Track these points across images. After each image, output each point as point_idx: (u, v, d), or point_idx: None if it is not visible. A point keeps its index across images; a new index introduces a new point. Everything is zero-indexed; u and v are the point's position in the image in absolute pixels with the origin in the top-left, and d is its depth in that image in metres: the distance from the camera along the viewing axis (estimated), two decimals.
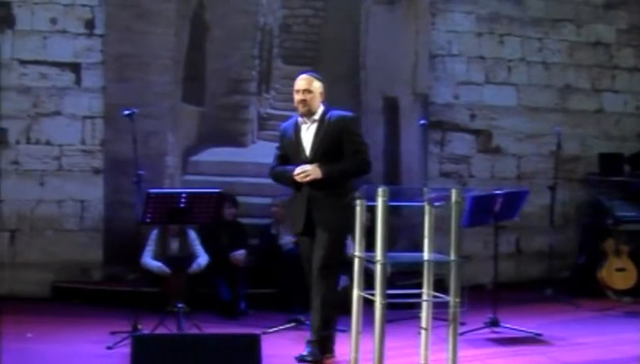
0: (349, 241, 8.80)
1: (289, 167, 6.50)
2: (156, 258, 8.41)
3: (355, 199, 5.99)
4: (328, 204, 6.39)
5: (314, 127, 6.50)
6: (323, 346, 6.42)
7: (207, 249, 8.66)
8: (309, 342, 6.44)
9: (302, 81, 6.54)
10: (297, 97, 6.51)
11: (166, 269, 8.22)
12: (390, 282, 5.57)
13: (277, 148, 6.74)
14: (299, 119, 6.56)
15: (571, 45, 10.94)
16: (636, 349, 6.61)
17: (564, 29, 10.90)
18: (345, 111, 6.63)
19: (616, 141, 11.05)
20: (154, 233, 8.55)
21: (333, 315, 6.48)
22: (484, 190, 8.60)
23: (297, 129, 6.56)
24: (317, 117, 6.51)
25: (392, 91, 10.15)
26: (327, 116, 6.51)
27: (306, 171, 6.36)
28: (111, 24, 9.27)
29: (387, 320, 5.56)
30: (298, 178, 6.38)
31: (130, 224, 8.43)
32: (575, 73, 10.96)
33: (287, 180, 6.52)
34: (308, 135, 6.51)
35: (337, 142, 6.43)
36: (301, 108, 6.51)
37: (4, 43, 9.05)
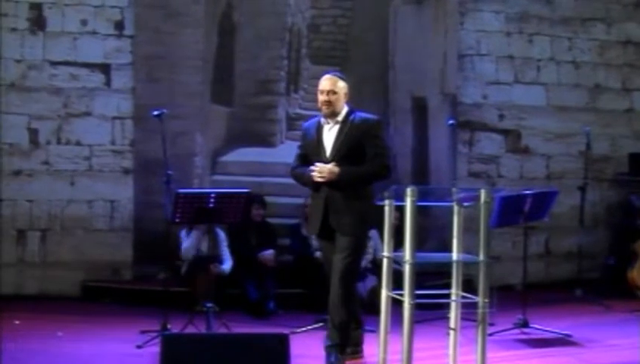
0: (377, 241, 8.84)
1: (309, 168, 6.42)
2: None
3: (374, 202, 5.98)
4: (346, 207, 6.29)
5: (336, 128, 6.39)
6: (342, 348, 6.40)
7: (235, 250, 8.69)
8: (329, 348, 6.38)
9: (326, 81, 6.40)
10: (321, 98, 6.38)
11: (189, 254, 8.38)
12: (418, 282, 5.55)
13: (299, 147, 6.66)
14: (322, 119, 6.45)
15: (601, 44, 10.87)
16: None
17: (594, 28, 10.83)
18: (370, 114, 6.52)
19: None
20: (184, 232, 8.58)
21: (357, 316, 6.47)
22: (513, 190, 8.57)
23: (319, 129, 6.44)
24: (340, 118, 6.40)
25: (421, 91, 10.14)
26: (351, 117, 6.40)
27: (323, 171, 6.26)
28: (140, 25, 9.32)
29: (415, 320, 5.55)
30: (315, 176, 6.28)
31: (160, 224, 8.49)
32: (605, 73, 10.89)
33: (306, 180, 6.44)
34: (330, 136, 6.40)
35: (358, 145, 6.32)
36: (325, 110, 6.38)
37: (35, 45, 9.12)
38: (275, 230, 9.12)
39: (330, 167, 6.27)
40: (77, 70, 9.23)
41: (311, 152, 6.47)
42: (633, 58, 11.00)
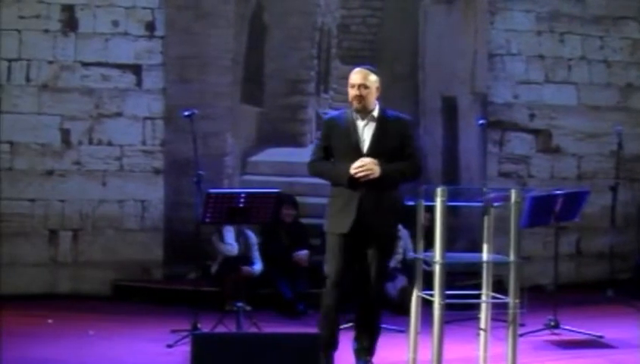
0: (407, 241, 8.83)
1: (333, 164, 6.15)
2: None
3: (404, 203, 5.94)
4: (381, 206, 6.06)
5: (373, 124, 6.13)
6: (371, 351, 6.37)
7: (268, 250, 8.72)
8: (358, 351, 6.29)
9: (357, 75, 6.13)
10: (352, 92, 6.08)
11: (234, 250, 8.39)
12: (449, 283, 5.54)
13: (320, 139, 6.29)
14: (354, 114, 6.14)
15: (633, 43, 10.78)
16: None
17: (626, 26, 10.75)
18: (400, 112, 6.37)
19: None
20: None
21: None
22: (543, 190, 8.53)
23: (352, 123, 6.12)
24: (375, 114, 6.15)
25: (451, 91, 10.12)
26: (386, 115, 6.19)
27: (366, 166, 5.95)
28: (171, 26, 9.37)
29: (445, 321, 5.54)
30: (356, 172, 5.96)
31: (190, 224, 8.52)
32: (637, 72, 10.80)
33: (336, 174, 6.07)
34: (367, 132, 6.11)
35: (395, 143, 6.11)
36: (356, 104, 6.08)
37: (67, 46, 9.19)
38: (307, 231, 9.12)
39: (372, 161, 5.97)
40: (109, 71, 9.29)
41: (341, 146, 6.10)
42: None
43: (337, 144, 6.15)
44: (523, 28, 10.41)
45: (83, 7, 9.23)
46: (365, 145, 6.08)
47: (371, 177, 5.95)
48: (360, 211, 6.02)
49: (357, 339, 6.32)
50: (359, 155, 6.03)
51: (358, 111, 6.12)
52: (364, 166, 5.94)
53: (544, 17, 10.46)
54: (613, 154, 10.07)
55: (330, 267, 6.21)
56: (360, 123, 6.13)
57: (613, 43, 10.70)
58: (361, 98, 6.08)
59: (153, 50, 9.38)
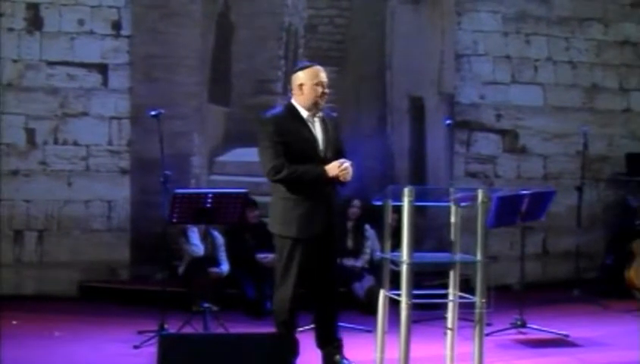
0: (374, 241, 8.84)
1: (308, 166, 5.92)
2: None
3: None
4: (335, 208, 6.07)
5: (319, 123, 6.02)
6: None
7: (233, 251, 8.70)
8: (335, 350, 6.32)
9: (323, 73, 6.01)
10: (319, 90, 5.95)
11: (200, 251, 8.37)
12: (416, 282, 5.55)
13: (273, 140, 5.93)
14: (305, 113, 6.00)
15: (598, 45, 10.87)
16: None
17: (591, 28, 10.84)
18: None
19: None
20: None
21: None
22: (510, 190, 8.57)
23: (305, 123, 5.98)
24: (320, 113, 6.06)
25: (418, 91, 10.14)
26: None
27: (347, 167, 5.84)
28: (137, 25, 9.32)
29: (413, 320, 5.55)
30: (339, 173, 5.84)
31: (157, 224, 8.46)
32: (603, 73, 10.90)
33: (314, 178, 5.87)
34: (318, 131, 6.01)
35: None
36: (321, 103, 5.98)
37: (32, 45, 9.12)
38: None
39: (349, 162, 5.88)
40: (74, 70, 9.22)
41: (296, 146, 5.91)
42: (630, 58, 11.00)
43: (295, 145, 5.94)
44: (490, 29, 10.46)
45: (48, 6, 9.15)
46: (320, 145, 5.98)
47: (349, 178, 5.88)
48: (329, 214, 5.97)
49: (326, 341, 6.23)
50: (315, 155, 5.93)
51: (316, 110, 6.00)
52: (346, 167, 5.85)
53: (510, 18, 10.52)
54: (578, 154, 10.14)
55: (287, 283, 5.94)
56: (312, 123, 6.02)
57: (578, 44, 10.78)
58: (326, 97, 6.00)
59: (119, 49, 9.32)
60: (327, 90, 6.01)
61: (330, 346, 6.20)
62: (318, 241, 5.94)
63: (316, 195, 5.93)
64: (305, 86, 5.97)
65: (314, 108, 5.99)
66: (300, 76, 6.02)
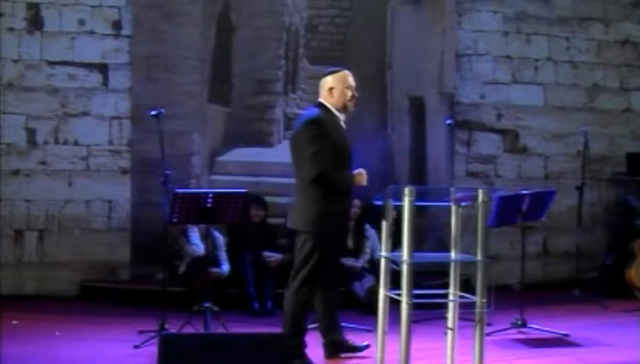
0: (374, 241, 8.84)
1: (345, 174, 6.24)
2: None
3: None
4: None
5: (344, 127, 6.33)
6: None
7: (236, 249, 8.70)
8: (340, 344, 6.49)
9: (352, 77, 6.30)
10: (350, 93, 6.26)
11: (200, 251, 8.36)
12: (416, 282, 5.55)
13: (324, 144, 6.12)
14: (336, 116, 6.26)
15: (599, 44, 10.87)
16: None
17: (592, 27, 10.84)
18: None
19: None
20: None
21: None
22: (511, 190, 8.57)
23: (340, 125, 6.26)
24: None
25: (418, 91, 10.14)
26: None
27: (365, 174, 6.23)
28: (138, 25, 9.32)
29: (413, 320, 5.55)
30: (363, 181, 6.18)
31: (157, 224, 8.46)
32: (603, 72, 10.90)
33: (345, 183, 6.22)
34: (345, 135, 6.31)
35: None
36: (351, 107, 6.28)
37: (32, 44, 9.12)
38: (276, 231, 9.12)
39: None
40: (75, 70, 9.22)
41: (339, 148, 6.19)
42: (631, 58, 11.00)
43: (334, 145, 6.18)
44: (490, 29, 10.46)
45: (49, 6, 9.15)
46: (347, 148, 6.28)
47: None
48: (348, 213, 6.44)
49: (338, 336, 6.58)
50: (349, 156, 6.26)
51: (345, 112, 6.30)
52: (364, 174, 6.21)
53: (510, 17, 10.52)
54: (579, 154, 10.14)
55: (317, 275, 6.28)
56: (342, 126, 6.30)
57: (579, 44, 10.78)
58: (355, 100, 6.28)
59: (120, 49, 9.32)
60: (356, 94, 6.28)
61: (337, 331, 6.52)
62: (340, 238, 6.45)
63: (343, 199, 6.28)
64: (336, 89, 6.25)
65: (343, 110, 6.29)
66: (330, 81, 6.29)
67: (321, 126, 6.17)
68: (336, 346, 6.61)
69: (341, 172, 6.21)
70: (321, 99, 6.35)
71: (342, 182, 6.20)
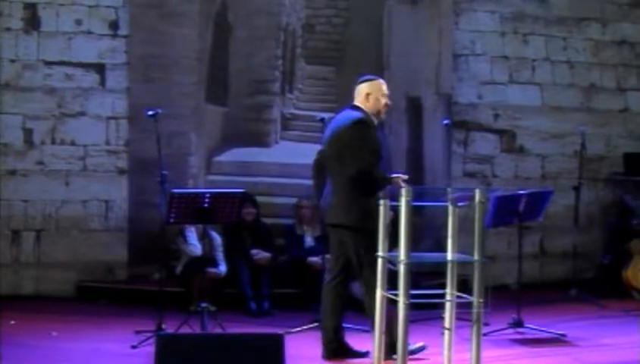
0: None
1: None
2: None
3: None
4: None
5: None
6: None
7: (231, 249, 8.70)
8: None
9: (385, 85, 6.72)
10: (384, 101, 6.64)
11: (198, 251, 8.33)
12: (414, 282, 5.55)
13: (374, 144, 6.52)
14: (374, 120, 6.62)
15: (596, 44, 10.87)
16: None
17: (589, 27, 10.84)
18: None
19: None
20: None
21: None
22: (508, 190, 8.57)
23: (376, 129, 6.63)
24: None
25: (415, 91, 10.14)
26: None
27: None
28: (135, 25, 9.31)
29: (410, 320, 5.55)
30: (400, 183, 6.33)
31: (155, 224, 8.46)
32: (600, 73, 10.90)
33: (385, 182, 6.36)
34: None
35: None
36: (383, 112, 6.70)
37: (29, 44, 9.11)
38: (269, 230, 9.12)
39: None
40: (72, 70, 9.22)
41: (379, 153, 6.53)
42: (628, 58, 11.00)
43: (373, 148, 6.51)
44: (487, 29, 10.46)
45: (46, 6, 9.14)
46: (382, 149, 6.60)
47: None
48: None
49: (341, 338, 6.74)
50: (380, 161, 6.53)
51: (379, 118, 6.68)
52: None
53: (507, 17, 10.52)
54: (576, 154, 10.14)
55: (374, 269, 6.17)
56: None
57: (576, 44, 10.78)
58: (388, 107, 6.69)
59: (117, 49, 9.31)
60: (389, 102, 6.70)
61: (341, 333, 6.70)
62: None
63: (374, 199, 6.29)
64: (372, 96, 6.63)
65: (377, 116, 6.65)
66: (367, 88, 6.67)
67: (367, 126, 6.52)
68: (337, 348, 6.60)
69: (379, 171, 6.50)
70: (357, 103, 6.66)
71: (383, 180, 6.37)
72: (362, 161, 6.37)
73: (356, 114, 6.57)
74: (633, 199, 10.15)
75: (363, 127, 6.50)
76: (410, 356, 6.36)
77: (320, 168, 6.88)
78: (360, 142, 6.44)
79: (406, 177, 6.46)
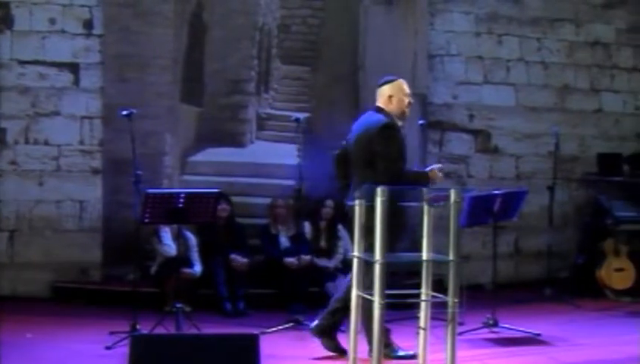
0: (347, 241, 8.85)
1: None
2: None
3: None
4: None
5: None
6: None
7: (206, 249, 8.68)
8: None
9: (407, 85, 6.74)
10: (407, 100, 6.70)
11: (172, 251, 8.25)
12: (391, 283, 5.56)
13: (400, 145, 6.54)
14: (398, 121, 6.64)
15: (570, 45, 10.93)
16: (635, 349, 6.61)
17: (563, 28, 10.90)
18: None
19: (615, 141, 11.04)
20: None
21: None
22: (482, 190, 8.60)
23: (400, 130, 6.64)
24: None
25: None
26: None
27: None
28: (109, 24, 9.26)
29: (386, 320, 5.55)
30: (437, 177, 6.49)
31: (129, 224, 8.42)
32: (574, 73, 10.96)
33: (422, 181, 6.47)
34: None
35: None
36: (407, 112, 6.74)
37: (3, 43, 9.04)
38: (244, 229, 9.11)
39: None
40: (46, 70, 9.16)
41: (405, 155, 6.58)
42: (601, 59, 11.07)
43: (402, 150, 6.56)
44: (462, 29, 10.49)
45: (19, 5, 9.08)
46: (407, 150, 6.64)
47: None
48: None
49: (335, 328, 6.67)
50: (406, 158, 6.57)
51: (403, 118, 6.72)
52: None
53: (482, 18, 10.56)
54: (550, 154, 10.19)
55: None
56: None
57: (550, 45, 10.84)
58: (411, 106, 6.71)
59: (91, 48, 9.26)
60: (412, 100, 6.76)
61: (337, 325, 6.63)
62: None
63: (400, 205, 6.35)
64: (394, 97, 6.68)
65: (401, 116, 6.71)
66: (388, 89, 6.73)
67: (394, 130, 6.54)
68: (327, 332, 6.62)
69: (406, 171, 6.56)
70: (380, 105, 6.69)
71: (419, 178, 6.53)
72: (394, 167, 6.41)
73: (382, 118, 6.57)
74: (607, 199, 10.21)
75: (390, 132, 6.52)
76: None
77: (341, 163, 6.82)
78: (388, 147, 6.45)
79: (441, 166, 6.62)
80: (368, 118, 6.67)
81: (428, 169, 6.59)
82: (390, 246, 5.83)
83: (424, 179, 6.50)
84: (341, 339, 6.62)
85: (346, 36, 10.04)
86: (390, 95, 6.66)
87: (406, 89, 6.74)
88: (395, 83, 6.75)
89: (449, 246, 5.63)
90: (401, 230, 6.37)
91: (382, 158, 6.41)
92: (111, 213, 9.18)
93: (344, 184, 6.74)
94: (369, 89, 9.99)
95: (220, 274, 8.61)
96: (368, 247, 5.75)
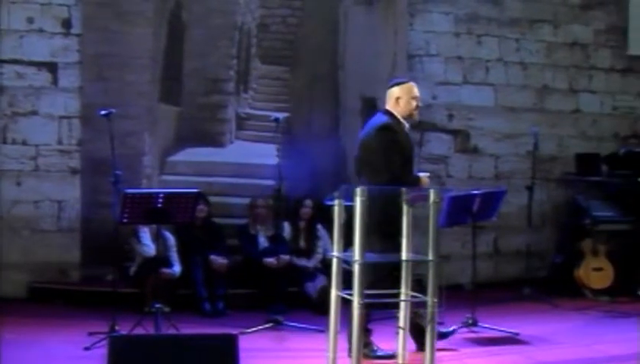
0: (326, 241, 8.84)
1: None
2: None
3: None
4: None
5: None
6: None
7: (185, 249, 8.65)
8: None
9: (417, 88, 6.78)
10: (415, 103, 6.73)
11: (151, 251, 8.26)
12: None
13: (394, 147, 6.56)
14: (404, 123, 6.68)
15: (548, 46, 10.98)
16: (613, 349, 6.65)
17: (541, 29, 10.94)
18: None
19: (593, 141, 11.10)
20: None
21: None
22: (462, 190, 8.62)
23: (406, 133, 6.69)
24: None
25: (370, 91, 10.14)
26: None
27: None
28: (88, 24, 9.22)
29: (369, 320, 5.55)
30: (427, 183, 6.53)
31: (108, 225, 8.38)
32: (553, 74, 11.01)
33: (413, 185, 6.48)
34: None
35: None
36: (416, 115, 6.78)
37: None
38: (222, 230, 9.09)
39: None
40: (24, 69, 9.10)
41: (407, 154, 6.62)
42: (579, 60, 11.13)
43: (405, 156, 6.61)
44: (442, 30, 10.51)
45: None
46: (412, 151, 6.72)
47: None
48: None
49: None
50: (411, 160, 6.66)
51: (411, 120, 6.76)
52: None
53: (462, 19, 10.58)
54: (529, 154, 10.22)
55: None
56: (407, 132, 6.72)
57: (529, 45, 10.88)
58: (419, 109, 6.75)
59: (69, 48, 9.21)
60: (420, 103, 6.80)
61: None
62: None
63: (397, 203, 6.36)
64: (402, 99, 6.71)
65: (409, 118, 6.75)
66: (397, 91, 6.75)
67: (392, 132, 6.57)
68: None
69: (409, 174, 6.60)
70: (388, 107, 6.73)
71: (412, 183, 6.46)
72: (393, 167, 6.47)
73: (381, 120, 6.66)
74: (585, 199, 10.25)
75: (388, 133, 6.57)
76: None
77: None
78: (386, 148, 6.53)
79: (428, 174, 6.69)
80: (372, 122, 6.76)
81: (420, 175, 6.67)
82: (390, 246, 5.92)
83: (416, 182, 6.55)
84: (320, 339, 6.61)
85: (325, 36, 10.04)
86: (398, 97, 6.71)
87: (416, 91, 6.78)
88: (404, 85, 6.81)
89: (428, 245, 5.64)
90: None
91: (381, 160, 6.52)
92: (90, 213, 9.14)
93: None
94: (349, 88, 10.06)
95: (199, 275, 8.59)
96: (368, 247, 5.76)
